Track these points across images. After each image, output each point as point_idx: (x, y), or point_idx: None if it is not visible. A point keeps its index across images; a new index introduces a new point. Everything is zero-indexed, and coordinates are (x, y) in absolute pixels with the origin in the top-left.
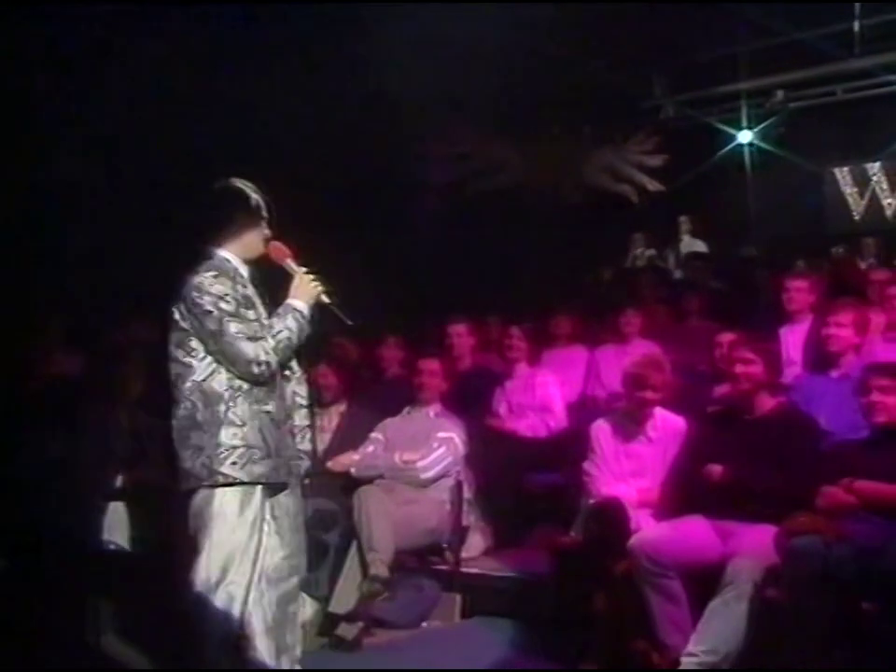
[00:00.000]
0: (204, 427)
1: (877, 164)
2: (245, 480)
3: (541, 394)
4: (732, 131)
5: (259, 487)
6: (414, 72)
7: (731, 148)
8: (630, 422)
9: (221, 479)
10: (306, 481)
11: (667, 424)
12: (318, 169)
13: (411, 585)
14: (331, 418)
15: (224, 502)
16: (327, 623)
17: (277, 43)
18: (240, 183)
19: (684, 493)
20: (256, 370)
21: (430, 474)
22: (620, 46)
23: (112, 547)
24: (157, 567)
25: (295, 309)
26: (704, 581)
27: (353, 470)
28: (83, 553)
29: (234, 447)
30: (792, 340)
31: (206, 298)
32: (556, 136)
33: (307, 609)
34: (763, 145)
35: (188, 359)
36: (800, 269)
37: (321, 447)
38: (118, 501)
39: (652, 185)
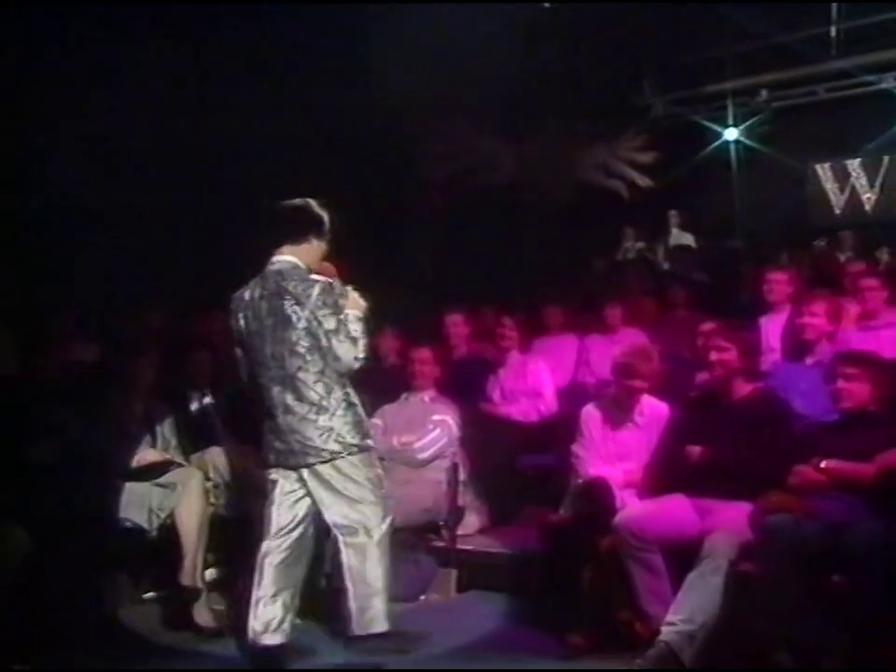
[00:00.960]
0: (331, 410)
1: (857, 161)
2: (369, 447)
3: (533, 380)
4: (718, 128)
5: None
6: (411, 72)
7: (717, 145)
8: (618, 408)
9: (356, 450)
10: None
11: (653, 410)
12: (316, 166)
13: (409, 561)
14: None
15: (355, 467)
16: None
17: (275, 46)
18: (317, 203)
19: (666, 473)
20: (356, 365)
21: (426, 454)
22: (612, 47)
23: (128, 524)
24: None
25: (358, 318)
26: (683, 555)
27: None
28: (101, 530)
29: (358, 422)
30: (772, 329)
31: (329, 301)
32: (550, 134)
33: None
34: (748, 142)
35: (307, 355)
36: (780, 262)
37: None
38: (132, 481)
39: (643, 180)
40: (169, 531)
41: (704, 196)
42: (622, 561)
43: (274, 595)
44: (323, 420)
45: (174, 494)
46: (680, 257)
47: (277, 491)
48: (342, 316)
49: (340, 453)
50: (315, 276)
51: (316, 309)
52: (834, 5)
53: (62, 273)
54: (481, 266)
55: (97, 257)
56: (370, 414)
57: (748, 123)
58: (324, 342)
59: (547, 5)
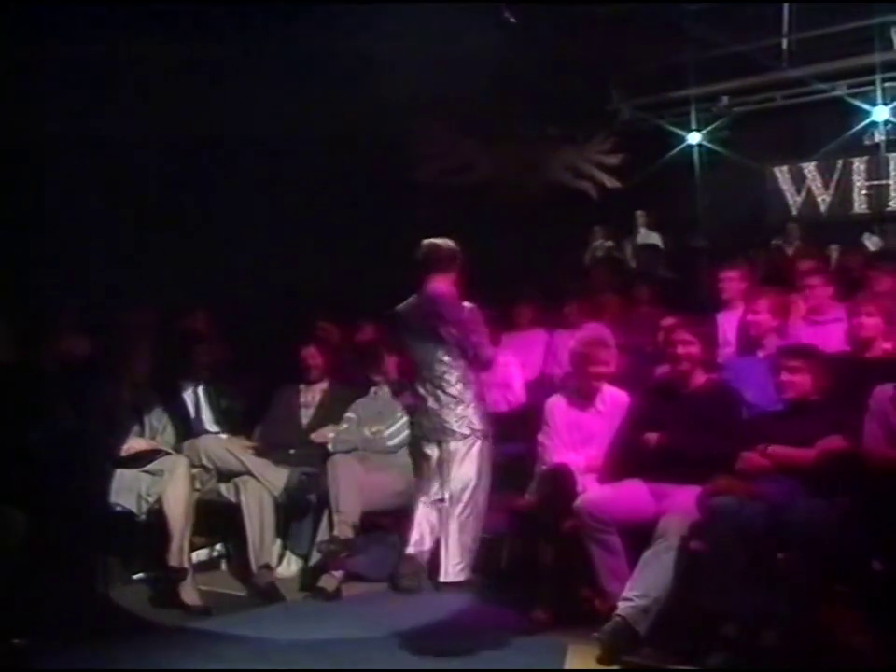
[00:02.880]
0: (466, 402)
1: (812, 164)
2: (489, 433)
3: (503, 373)
4: (682, 133)
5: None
6: (390, 77)
7: (681, 149)
8: (581, 397)
9: (481, 434)
10: (291, 451)
11: (614, 399)
12: (307, 165)
13: (384, 543)
14: (315, 395)
15: (478, 449)
16: (307, 577)
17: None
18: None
19: (625, 459)
20: (490, 365)
21: (396, 441)
22: (581, 56)
23: (118, 509)
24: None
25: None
26: (640, 536)
27: (330, 446)
28: (93, 514)
29: (485, 413)
30: (728, 324)
31: (475, 320)
32: (523, 137)
33: (292, 565)
34: (709, 145)
35: (452, 362)
36: (733, 260)
37: (305, 420)
38: (123, 468)
39: (610, 182)
40: (157, 515)
41: (668, 197)
42: (582, 541)
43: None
44: (461, 410)
45: (161, 480)
46: (647, 255)
47: (430, 462)
48: (482, 330)
49: (469, 436)
50: (465, 303)
51: (466, 328)
52: (785, 18)
53: (57, 267)
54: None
55: (92, 252)
56: (346, 406)
57: (709, 128)
58: (470, 352)
59: (512, 20)
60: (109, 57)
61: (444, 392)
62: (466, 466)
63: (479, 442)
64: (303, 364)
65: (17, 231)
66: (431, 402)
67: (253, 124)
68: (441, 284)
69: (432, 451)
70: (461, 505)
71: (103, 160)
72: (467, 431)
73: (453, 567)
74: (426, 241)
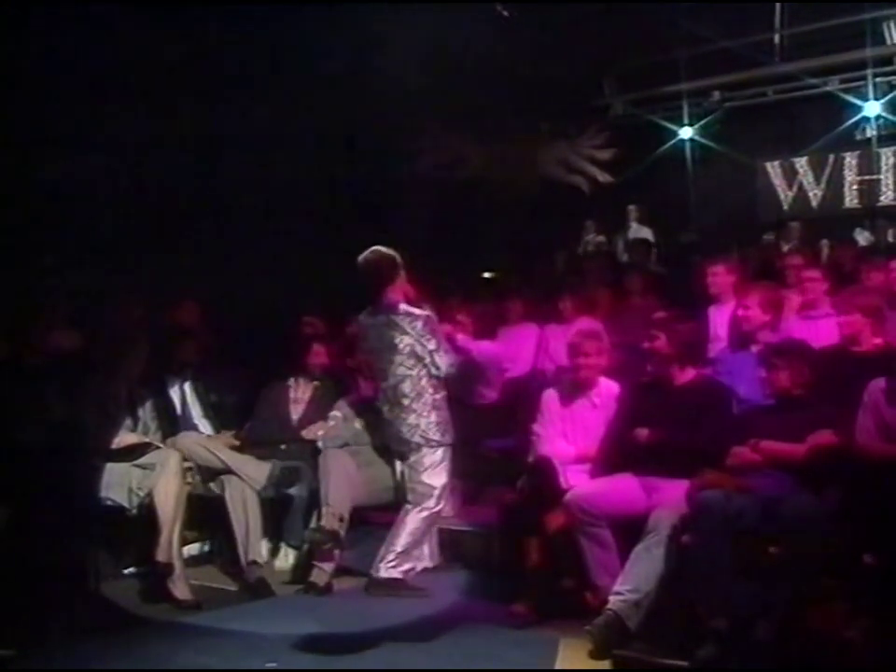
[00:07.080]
0: (418, 412)
1: (804, 159)
2: (447, 444)
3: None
4: (674, 127)
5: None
6: (384, 74)
7: (673, 143)
8: (577, 389)
9: (435, 444)
10: (282, 446)
11: (610, 391)
12: (294, 161)
13: (375, 538)
14: (305, 390)
15: (433, 458)
16: (298, 571)
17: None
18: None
19: (616, 453)
20: (452, 370)
21: None
22: (573, 51)
23: (109, 503)
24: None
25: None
26: (631, 530)
27: (319, 443)
28: (84, 508)
29: (439, 423)
30: (719, 319)
31: (430, 328)
32: (515, 132)
33: (289, 558)
34: (702, 140)
35: (408, 371)
36: (721, 255)
37: (295, 416)
38: (114, 462)
39: (603, 176)
40: (148, 509)
41: (660, 191)
42: (573, 536)
43: None
44: (412, 419)
45: (153, 474)
46: (638, 250)
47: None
48: (439, 337)
49: (422, 445)
50: (417, 311)
51: (420, 336)
52: (777, 13)
53: (47, 260)
54: (447, 258)
55: (82, 245)
56: (336, 400)
57: (701, 123)
58: (427, 359)
59: (506, 13)
60: (102, 55)
61: (398, 402)
62: (425, 476)
63: (438, 451)
64: (307, 361)
65: (7, 225)
66: (387, 412)
67: (244, 120)
68: (393, 294)
69: (395, 459)
70: (419, 509)
71: (93, 156)
72: (420, 441)
73: (385, 564)
74: (363, 255)
